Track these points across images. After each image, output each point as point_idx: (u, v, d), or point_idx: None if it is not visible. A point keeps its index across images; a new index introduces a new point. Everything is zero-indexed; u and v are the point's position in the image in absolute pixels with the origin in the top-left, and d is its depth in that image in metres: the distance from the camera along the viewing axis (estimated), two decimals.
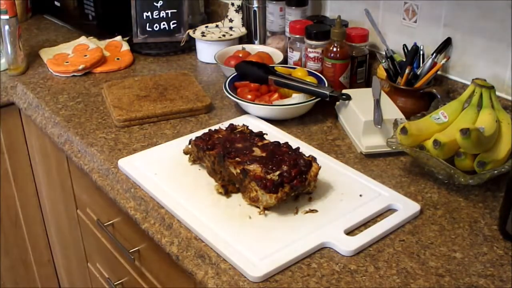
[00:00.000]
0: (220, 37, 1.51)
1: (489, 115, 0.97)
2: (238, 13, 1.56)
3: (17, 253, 1.68)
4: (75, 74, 1.46)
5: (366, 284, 0.78)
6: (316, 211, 0.90)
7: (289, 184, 0.88)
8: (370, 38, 1.30)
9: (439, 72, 1.20)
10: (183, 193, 0.95)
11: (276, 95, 1.22)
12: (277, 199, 0.87)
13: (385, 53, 1.23)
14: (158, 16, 1.59)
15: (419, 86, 1.16)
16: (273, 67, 1.27)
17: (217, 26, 1.58)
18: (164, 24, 1.60)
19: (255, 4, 1.51)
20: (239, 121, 1.18)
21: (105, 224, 1.20)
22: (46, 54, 1.54)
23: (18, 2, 1.72)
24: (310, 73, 1.27)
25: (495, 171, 0.93)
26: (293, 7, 1.40)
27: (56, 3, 1.81)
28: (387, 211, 0.92)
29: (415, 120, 1.03)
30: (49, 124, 1.27)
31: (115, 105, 1.23)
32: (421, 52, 1.21)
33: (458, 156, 0.96)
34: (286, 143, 0.98)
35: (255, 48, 1.48)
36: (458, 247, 0.84)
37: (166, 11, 1.59)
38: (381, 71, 1.25)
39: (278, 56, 1.43)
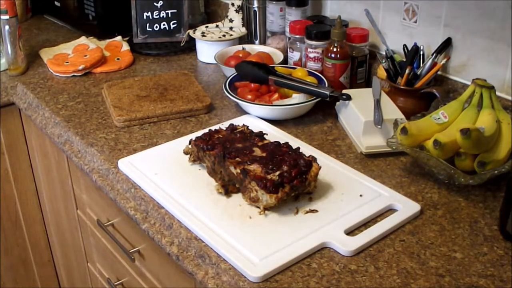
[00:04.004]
0: (220, 37, 1.51)
1: (489, 115, 0.97)
2: (238, 13, 1.56)
3: (17, 253, 1.68)
4: (75, 74, 1.46)
5: (366, 284, 0.78)
6: (316, 211, 0.90)
7: (289, 184, 0.88)
8: (370, 38, 1.30)
9: (439, 72, 1.20)
10: (183, 193, 0.95)
11: (276, 95, 1.22)
12: (277, 199, 0.87)
13: (385, 53, 1.23)
14: (158, 16, 1.59)
15: (419, 86, 1.16)
16: (273, 67, 1.27)
17: (217, 26, 1.58)
18: (164, 24, 1.60)
19: (255, 4, 1.51)
20: (239, 121, 1.18)
21: (105, 224, 1.20)
22: (46, 54, 1.54)
23: (18, 2, 1.72)
24: (310, 73, 1.27)
25: (495, 171, 0.93)
26: (293, 7, 1.40)
27: (56, 3, 1.81)
28: (387, 211, 0.92)
29: (415, 120, 1.03)
30: (49, 124, 1.27)
31: (115, 105, 1.23)
32: (421, 52, 1.21)
33: (458, 156, 0.96)
34: (286, 143, 0.98)
35: (255, 48, 1.48)
36: (458, 247, 0.84)
37: (166, 11, 1.59)
38: (381, 71, 1.25)
39: (278, 56, 1.43)
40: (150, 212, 0.96)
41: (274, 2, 1.45)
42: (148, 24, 1.59)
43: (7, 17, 1.40)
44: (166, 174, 1.01)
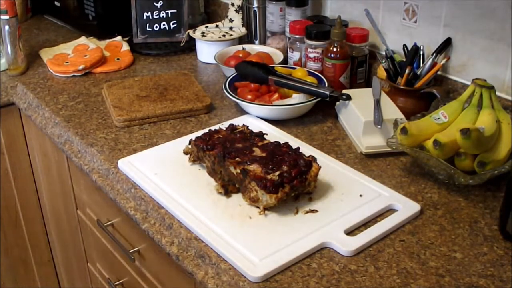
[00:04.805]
0: (220, 37, 1.51)
1: (489, 115, 0.97)
2: (238, 13, 1.56)
3: (17, 253, 1.68)
4: (75, 74, 1.46)
5: (366, 284, 0.78)
6: (316, 211, 0.90)
7: (289, 184, 0.88)
8: (370, 38, 1.30)
9: (439, 72, 1.20)
10: (183, 193, 0.95)
11: (276, 95, 1.22)
12: (277, 199, 0.87)
13: (385, 53, 1.23)
14: (158, 16, 1.59)
15: (419, 86, 1.16)
16: (273, 67, 1.27)
17: (217, 26, 1.58)
18: (164, 24, 1.60)
19: (255, 4, 1.51)
20: (239, 121, 1.18)
21: (105, 224, 1.20)
22: (46, 54, 1.54)
23: (18, 2, 1.72)
24: (310, 73, 1.27)
25: (495, 171, 0.93)
26: (293, 7, 1.40)
27: (56, 3, 1.81)
28: (387, 211, 0.92)
29: (415, 120, 1.03)
30: (49, 124, 1.27)
31: (115, 105, 1.23)
32: (421, 52, 1.21)
33: (458, 156, 0.96)
34: (286, 143, 0.98)
35: (255, 48, 1.48)
36: (458, 247, 0.84)
37: (166, 11, 1.59)
38: (381, 71, 1.25)
39: (278, 56, 1.43)
40: (150, 212, 0.96)
41: (274, 2, 1.45)
42: (148, 24, 1.59)
43: (7, 17, 1.40)
44: (166, 174, 1.01)
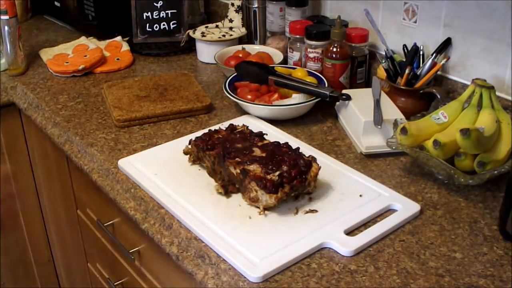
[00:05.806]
0: (220, 37, 1.51)
1: (489, 115, 0.97)
2: (238, 13, 1.56)
3: (17, 253, 1.68)
4: (75, 74, 1.46)
5: (366, 284, 0.78)
6: (316, 211, 0.90)
7: (289, 184, 0.88)
8: (370, 38, 1.30)
9: (439, 72, 1.20)
10: (183, 193, 0.95)
11: (276, 95, 1.23)
12: (277, 199, 0.87)
13: (385, 53, 1.23)
14: (158, 17, 1.59)
15: (419, 86, 1.16)
16: (273, 67, 1.27)
17: (217, 26, 1.58)
18: (164, 25, 1.60)
19: (255, 4, 1.51)
20: (239, 121, 1.18)
21: (105, 224, 1.20)
22: (46, 55, 1.54)
23: (18, 2, 1.72)
24: (310, 73, 1.27)
25: (495, 171, 0.93)
26: (293, 7, 1.40)
27: (56, 3, 1.81)
28: (387, 211, 0.92)
29: (415, 120, 1.03)
30: (49, 124, 1.27)
31: (115, 105, 1.23)
32: (421, 52, 1.21)
33: (458, 156, 0.96)
34: (286, 143, 0.98)
35: (255, 48, 1.48)
36: (458, 247, 0.84)
37: (166, 12, 1.59)
38: (381, 71, 1.25)
39: (278, 56, 1.43)
40: (150, 212, 0.96)
41: (274, 2, 1.45)
42: (148, 24, 1.59)
43: (7, 17, 1.40)
44: (166, 174, 1.01)
